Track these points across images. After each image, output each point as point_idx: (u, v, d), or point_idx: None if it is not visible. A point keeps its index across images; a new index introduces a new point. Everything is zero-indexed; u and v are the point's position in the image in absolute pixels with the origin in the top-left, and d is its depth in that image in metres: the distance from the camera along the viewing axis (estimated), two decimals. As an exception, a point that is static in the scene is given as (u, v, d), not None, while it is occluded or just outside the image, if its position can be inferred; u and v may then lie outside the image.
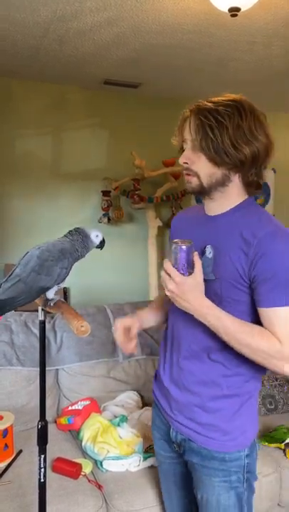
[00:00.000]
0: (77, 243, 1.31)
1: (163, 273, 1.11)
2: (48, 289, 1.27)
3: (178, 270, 1.09)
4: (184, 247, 1.09)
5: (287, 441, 1.97)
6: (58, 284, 1.28)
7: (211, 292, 1.12)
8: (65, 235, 1.34)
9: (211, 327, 1.12)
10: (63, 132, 3.92)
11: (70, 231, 1.35)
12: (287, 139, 4.55)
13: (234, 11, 2.25)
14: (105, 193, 3.89)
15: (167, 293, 1.11)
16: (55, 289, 1.29)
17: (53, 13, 2.49)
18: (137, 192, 3.81)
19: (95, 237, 1.36)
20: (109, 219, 3.93)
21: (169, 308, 1.35)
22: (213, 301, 1.12)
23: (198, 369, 1.21)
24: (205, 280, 1.12)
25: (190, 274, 1.10)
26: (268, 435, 2.04)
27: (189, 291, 1.09)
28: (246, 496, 1.24)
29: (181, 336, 1.25)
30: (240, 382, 1.20)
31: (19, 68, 3.43)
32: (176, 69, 3.40)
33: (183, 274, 1.09)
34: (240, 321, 1.10)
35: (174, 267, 1.09)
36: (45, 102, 3.80)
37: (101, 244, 1.38)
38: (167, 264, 1.10)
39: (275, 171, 4.61)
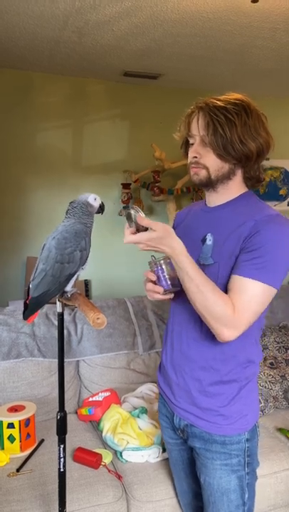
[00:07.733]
0: (83, 216, 1.29)
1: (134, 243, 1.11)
2: (75, 273, 1.27)
3: (161, 283, 1.19)
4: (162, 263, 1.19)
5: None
6: (83, 265, 1.28)
7: (210, 275, 1.16)
8: (68, 215, 1.31)
9: (179, 267, 1.12)
10: (84, 125, 3.92)
11: (69, 209, 1.32)
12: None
13: (255, -3, 2.20)
14: (125, 186, 3.88)
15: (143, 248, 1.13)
16: (79, 272, 1.29)
17: (71, 6, 2.48)
18: (157, 184, 3.79)
19: (94, 200, 1.32)
20: (129, 211, 3.92)
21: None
22: None
23: (198, 355, 1.25)
24: (204, 265, 1.20)
25: (171, 284, 1.20)
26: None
27: (163, 240, 1.09)
28: (248, 480, 1.27)
29: (183, 322, 1.29)
30: (238, 368, 1.25)
31: (39, 61, 3.44)
32: (196, 58, 3.34)
33: (163, 287, 1.19)
34: (206, 277, 1.13)
35: (158, 283, 1.20)
36: (65, 94, 3.81)
37: (101, 209, 1.35)
38: (132, 236, 1.10)
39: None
